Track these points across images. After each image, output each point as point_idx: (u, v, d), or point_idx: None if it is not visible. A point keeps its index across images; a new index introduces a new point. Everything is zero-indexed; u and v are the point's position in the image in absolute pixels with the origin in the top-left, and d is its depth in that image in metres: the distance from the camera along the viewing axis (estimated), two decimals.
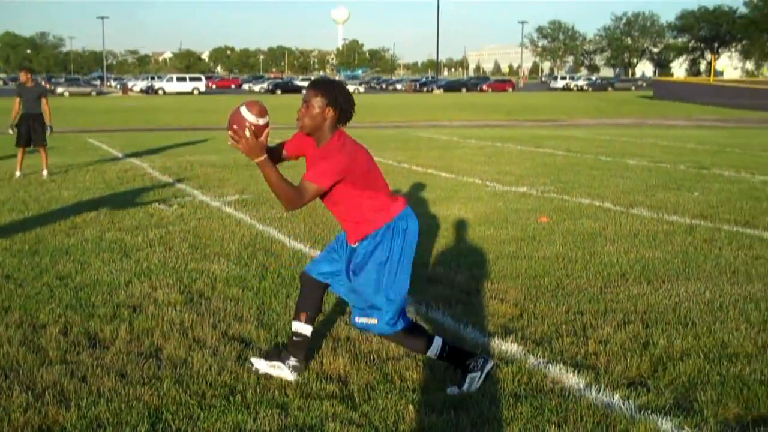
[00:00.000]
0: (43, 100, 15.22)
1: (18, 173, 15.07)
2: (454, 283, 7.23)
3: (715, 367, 5.11)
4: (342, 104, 4.64)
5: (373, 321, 4.71)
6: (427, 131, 30.15)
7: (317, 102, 4.62)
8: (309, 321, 5.01)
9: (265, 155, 4.54)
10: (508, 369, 5.06)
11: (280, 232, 9.66)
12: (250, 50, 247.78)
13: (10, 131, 15.37)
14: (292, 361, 4.98)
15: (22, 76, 15.38)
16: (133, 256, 8.35)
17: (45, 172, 15.14)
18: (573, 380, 4.90)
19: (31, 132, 15.17)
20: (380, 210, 4.76)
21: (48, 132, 15.30)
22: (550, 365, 5.14)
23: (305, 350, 5.06)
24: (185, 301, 6.68)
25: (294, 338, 5.01)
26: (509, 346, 5.51)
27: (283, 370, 4.96)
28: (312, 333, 5.04)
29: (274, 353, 5.11)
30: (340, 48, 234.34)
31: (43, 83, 15.53)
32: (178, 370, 5.10)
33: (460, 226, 10.00)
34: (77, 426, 4.29)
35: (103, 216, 10.63)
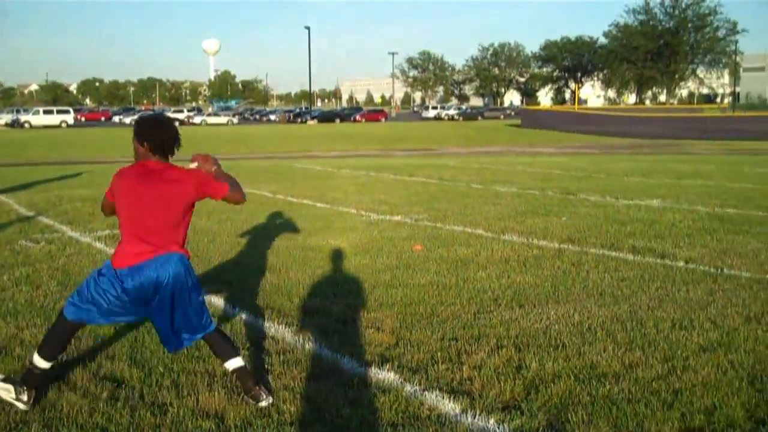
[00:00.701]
0: None
1: None
2: (331, 313, 7.24)
3: (585, 387, 5.27)
4: (153, 140, 5.06)
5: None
6: (302, 162, 30.19)
7: (135, 142, 5.14)
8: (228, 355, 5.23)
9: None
10: (386, 398, 5.10)
11: None
12: (119, 82, 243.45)
13: None
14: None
15: None
16: None
17: None
18: (449, 406, 4.96)
19: None
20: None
21: None
22: (426, 392, 5.20)
23: (252, 379, 5.18)
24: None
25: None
26: (386, 375, 5.54)
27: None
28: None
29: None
30: (212, 79, 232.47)
31: None
32: (46, 413, 4.94)
33: (336, 256, 10.03)
34: None
35: None
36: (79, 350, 6.21)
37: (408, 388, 5.29)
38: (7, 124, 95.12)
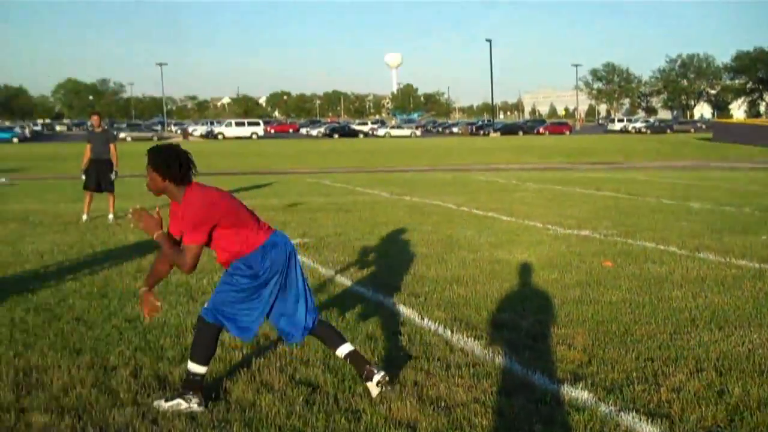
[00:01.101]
0: (111, 146, 15.47)
1: (85, 217, 15.35)
2: (521, 327, 7.17)
3: None
4: (167, 166, 5.21)
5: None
6: (485, 174, 30.13)
7: (149, 170, 5.30)
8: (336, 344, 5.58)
9: (162, 231, 5.28)
10: (580, 417, 4.99)
11: (342, 275, 9.70)
12: (306, 95, 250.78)
13: (83, 176, 15.66)
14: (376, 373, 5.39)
15: (94, 121, 15.68)
16: (199, 299, 8.43)
17: (111, 216, 15.40)
18: (647, 429, 4.80)
19: (99, 177, 15.44)
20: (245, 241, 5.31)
21: (113, 177, 15.53)
22: (622, 413, 5.05)
23: (362, 360, 5.51)
24: (252, 344, 6.71)
25: (349, 361, 5.54)
26: (579, 393, 5.43)
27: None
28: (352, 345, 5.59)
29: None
30: (395, 92, 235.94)
31: (114, 130, 15.77)
32: (246, 413, 5.12)
33: (524, 270, 9.94)
34: None
35: None
36: (275, 354, 6.40)
37: (603, 408, 5.16)
38: (202, 136, 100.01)
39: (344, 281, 9.36)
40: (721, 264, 10.25)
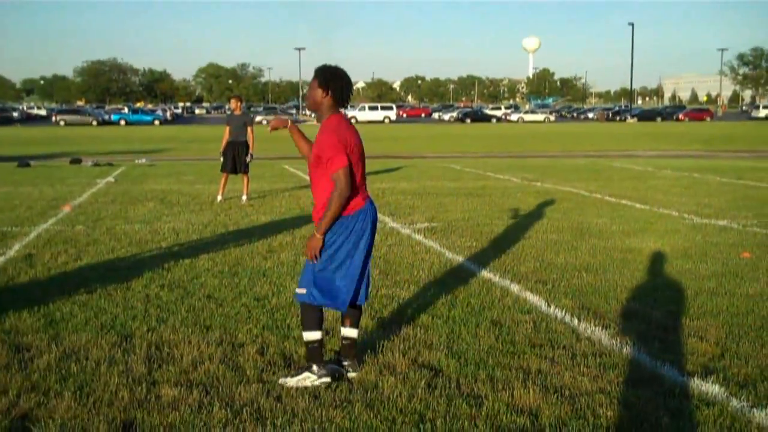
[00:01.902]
0: (249, 129, 15.78)
1: (219, 198, 15.76)
2: (651, 318, 6.97)
3: None
4: (333, 83, 5.30)
5: (302, 291, 5.41)
6: (620, 161, 29.44)
7: (313, 85, 5.37)
8: (353, 325, 5.68)
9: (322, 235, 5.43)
10: (710, 411, 4.81)
11: (470, 260, 9.64)
12: (440, 80, 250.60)
13: (221, 158, 16.04)
14: (346, 361, 5.60)
15: (233, 104, 15.99)
16: None
17: (245, 198, 15.76)
18: None
19: (236, 159, 15.78)
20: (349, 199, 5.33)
21: (249, 159, 15.82)
22: (755, 410, 4.84)
23: (354, 349, 5.68)
24: (376, 326, 6.76)
25: (344, 342, 5.67)
26: (710, 387, 5.23)
27: (335, 373, 5.46)
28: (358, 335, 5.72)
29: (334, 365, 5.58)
30: (531, 77, 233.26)
31: (252, 114, 16.11)
32: (368, 394, 5.15)
33: (657, 259, 9.67)
34: None
35: (297, 240, 10.95)
36: (399, 337, 6.42)
37: (734, 403, 4.96)
38: None
39: (471, 266, 9.31)
40: None
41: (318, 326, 5.44)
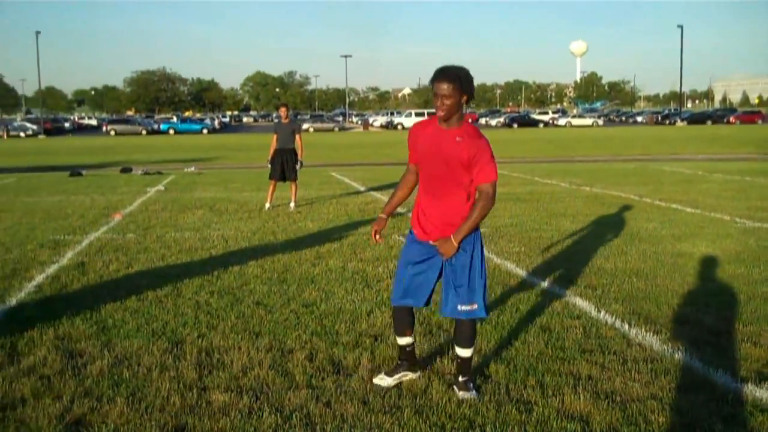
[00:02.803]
0: (297, 136, 15.87)
1: (268, 205, 15.86)
2: (703, 323, 6.88)
3: None
4: (471, 88, 5.09)
5: (474, 306, 5.21)
6: (670, 165, 29.10)
7: (450, 88, 5.02)
8: (411, 334, 5.54)
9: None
10: (764, 418, 4.74)
11: (518, 266, 9.60)
12: (487, 85, 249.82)
13: (269, 166, 16.15)
14: (411, 367, 5.57)
15: (281, 112, 16.14)
16: (374, 286, 8.55)
17: (292, 205, 15.86)
18: None
19: (284, 166, 15.88)
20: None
21: (298, 167, 15.91)
22: None
23: (415, 355, 5.61)
24: (424, 332, 6.75)
25: (407, 350, 5.52)
26: (764, 393, 5.15)
27: (407, 375, 5.50)
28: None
29: (396, 368, 5.53)
30: (578, 81, 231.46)
31: (300, 121, 16.21)
32: (417, 400, 5.15)
33: (708, 264, 9.54)
34: None
35: (345, 247, 10.99)
36: (447, 342, 6.40)
37: None
38: (382, 126, 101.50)
39: (519, 272, 9.26)
40: None
41: (403, 333, 5.54)
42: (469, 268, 5.22)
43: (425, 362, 5.92)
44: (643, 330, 6.72)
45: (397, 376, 5.46)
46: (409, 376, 5.51)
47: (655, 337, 6.53)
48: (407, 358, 5.52)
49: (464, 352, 5.31)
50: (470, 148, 5.00)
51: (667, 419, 4.79)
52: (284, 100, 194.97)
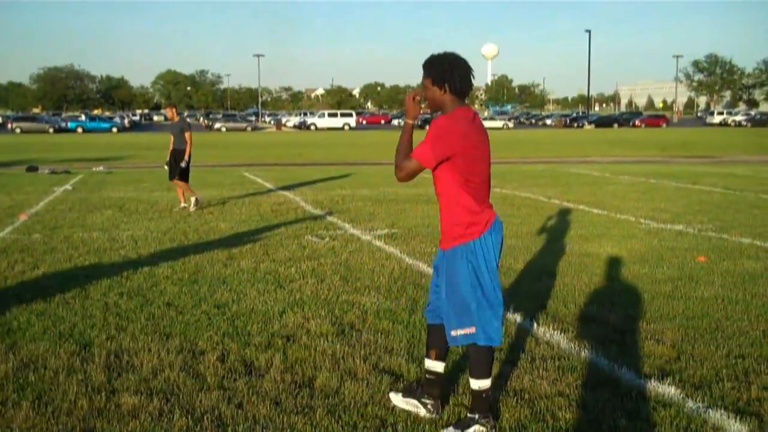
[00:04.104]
0: (186, 135, 15.69)
1: (182, 204, 15.67)
2: (608, 322, 7.06)
3: None
4: (451, 77, 4.61)
5: (468, 331, 4.61)
6: (578, 167, 29.71)
7: (427, 82, 4.68)
8: (439, 358, 4.99)
9: (414, 122, 4.77)
10: (666, 412, 4.89)
11: (429, 266, 9.69)
12: (399, 86, 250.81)
13: (165, 167, 16.01)
14: (426, 399, 4.96)
15: (168, 113, 16.10)
16: (287, 287, 8.54)
17: (182, 205, 15.67)
18: (735, 427, 4.68)
19: (172, 166, 15.75)
20: (475, 215, 4.65)
21: (183, 165, 15.64)
22: (710, 410, 4.94)
23: (439, 388, 5.01)
24: (337, 332, 6.77)
25: (427, 376, 5.01)
26: (666, 389, 5.32)
27: (418, 408, 4.93)
28: (444, 370, 5.06)
29: (411, 389, 5.08)
30: (489, 83, 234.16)
31: (187, 118, 16.02)
32: (330, 400, 5.17)
33: (614, 264, 9.78)
34: None
35: (258, 247, 10.94)
36: (360, 343, 6.44)
37: (690, 404, 5.05)
38: (295, 126, 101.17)
39: (430, 272, 9.34)
40: None
41: (491, 372, 4.77)
42: (454, 285, 4.67)
43: (332, 362, 5.94)
44: (550, 328, 6.86)
45: (406, 400, 4.97)
46: (420, 409, 4.92)
47: (562, 335, 6.68)
48: (426, 387, 4.99)
49: (472, 383, 4.71)
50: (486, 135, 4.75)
51: (573, 415, 4.91)
52: (195, 98, 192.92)
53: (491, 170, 4.81)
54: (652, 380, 5.51)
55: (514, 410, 4.98)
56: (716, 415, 4.86)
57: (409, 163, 4.62)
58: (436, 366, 5.00)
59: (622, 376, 5.61)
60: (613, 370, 5.76)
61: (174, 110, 16.10)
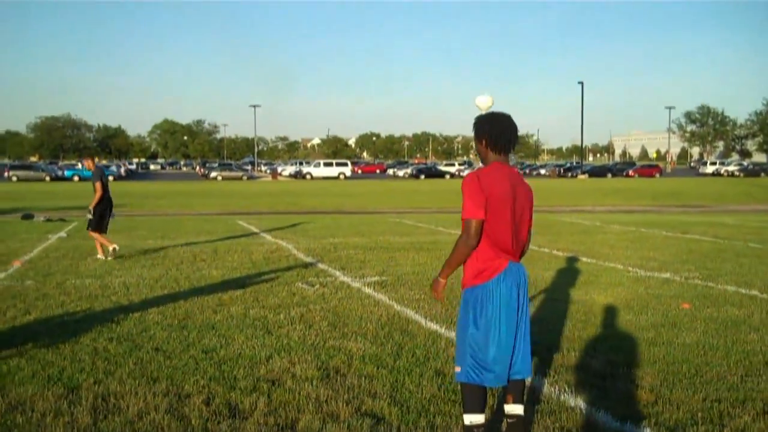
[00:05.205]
0: (96, 185, 15.61)
1: (99, 255, 15.48)
2: (590, 368, 7.18)
3: None
4: (487, 135, 4.99)
5: (456, 369, 5.03)
6: (570, 216, 29.93)
7: (474, 138, 5.08)
8: (516, 401, 5.13)
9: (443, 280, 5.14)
10: None
11: (417, 312, 9.81)
12: (395, 136, 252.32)
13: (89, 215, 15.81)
14: None
15: (86, 164, 16.17)
16: (275, 332, 8.65)
17: (99, 256, 15.46)
18: None
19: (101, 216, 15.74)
20: (487, 261, 4.93)
21: (88, 216, 15.62)
22: None
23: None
24: (322, 376, 6.88)
25: (509, 420, 5.14)
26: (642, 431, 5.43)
27: None
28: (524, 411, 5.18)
29: None
30: None
31: (111, 166, 15.83)
32: None
33: (599, 311, 9.90)
34: None
35: (248, 294, 11.05)
36: (344, 386, 6.54)
37: None
38: (290, 175, 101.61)
39: (418, 318, 9.47)
40: None
41: (482, 408, 5.01)
42: (459, 326, 5.07)
43: (315, 406, 6.03)
44: (534, 375, 6.97)
45: None
46: None
47: (544, 380, 6.79)
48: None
49: (465, 418, 5.03)
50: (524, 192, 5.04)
51: None
52: (192, 148, 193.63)
53: (533, 222, 5.09)
54: (629, 423, 5.62)
55: None
56: None
57: (468, 229, 4.85)
58: (515, 409, 5.12)
59: (599, 420, 5.72)
60: (591, 413, 5.87)
61: (91, 161, 16.05)
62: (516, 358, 5.02)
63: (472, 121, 5.09)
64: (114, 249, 15.51)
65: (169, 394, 6.32)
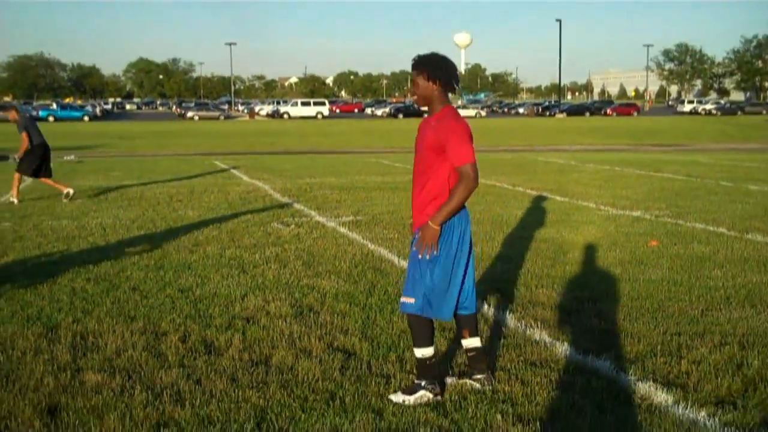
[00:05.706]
0: (22, 135, 15.68)
1: (13, 199, 15.49)
2: (555, 304, 7.39)
3: None
4: (441, 75, 5.03)
5: (409, 300, 5.06)
6: (546, 155, 30.13)
7: (419, 78, 5.05)
8: (472, 335, 5.33)
9: (439, 227, 5.05)
10: (598, 384, 5.21)
11: (391, 251, 9.98)
12: (373, 75, 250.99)
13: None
14: (478, 374, 5.29)
15: (10, 116, 16.52)
16: (250, 272, 8.81)
17: (12, 199, 15.43)
18: (661, 397, 5.01)
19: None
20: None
21: (10, 160, 15.53)
22: (640, 382, 5.26)
23: (485, 361, 5.37)
24: (295, 314, 7.05)
25: (469, 354, 5.33)
26: (602, 363, 5.63)
27: (438, 396, 5.09)
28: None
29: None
30: (463, 72, 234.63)
31: (27, 115, 15.87)
32: (284, 376, 5.45)
33: (569, 249, 10.11)
34: (190, 422, 4.67)
35: (224, 234, 11.19)
36: (317, 323, 6.72)
37: (622, 377, 5.38)
38: (268, 115, 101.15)
39: (391, 257, 9.65)
40: None
41: (432, 341, 5.16)
42: (415, 259, 5.07)
43: (289, 341, 6.21)
44: (501, 310, 7.18)
45: (414, 397, 5.05)
46: (476, 385, 5.23)
47: (511, 315, 7.00)
48: (472, 363, 5.33)
49: (415, 351, 5.17)
50: (438, 130, 4.98)
51: (511, 388, 5.20)
52: (168, 87, 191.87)
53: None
54: (590, 356, 5.83)
55: (457, 384, 5.28)
56: (645, 387, 5.18)
57: (469, 171, 4.99)
58: (474, 342, 5.31)
59: (561, 352, 5.93)
60: (554, 346, 6.08)
61: (15, 111, 16.34)
62: (465, 294, 5.21)
63: (436, 60, 5.06)
64: (68, 193, 15.57)
65: (146, 332, 6.48)
